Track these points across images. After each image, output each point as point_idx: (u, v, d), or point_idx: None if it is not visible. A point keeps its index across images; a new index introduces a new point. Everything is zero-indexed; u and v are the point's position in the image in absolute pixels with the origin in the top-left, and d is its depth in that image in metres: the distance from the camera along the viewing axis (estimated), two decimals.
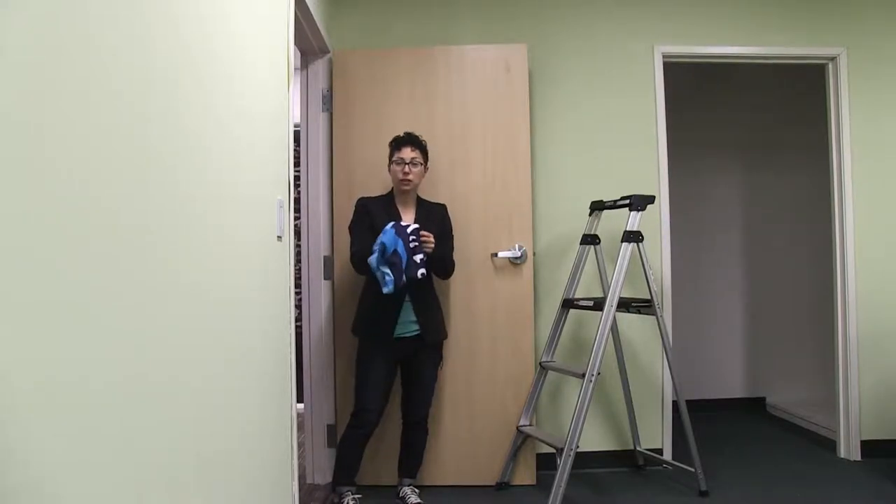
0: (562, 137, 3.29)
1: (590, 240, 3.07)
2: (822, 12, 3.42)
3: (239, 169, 1.62)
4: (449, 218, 2.87)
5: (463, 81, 3.10)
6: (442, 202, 2.92)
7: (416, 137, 2.76)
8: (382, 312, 2.66)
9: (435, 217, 2.81)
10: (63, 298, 0.85)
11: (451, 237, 2.85)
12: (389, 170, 2.78)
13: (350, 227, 2.76)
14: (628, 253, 2.76)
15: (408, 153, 2.71)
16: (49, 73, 0.82)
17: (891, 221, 3.39)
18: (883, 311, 3.36)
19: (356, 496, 2.72)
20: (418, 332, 2.69)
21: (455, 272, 2.87)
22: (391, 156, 2.76)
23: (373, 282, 2.65)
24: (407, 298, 2.67)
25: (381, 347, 2.67)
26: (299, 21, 2.49)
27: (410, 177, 2.72)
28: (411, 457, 2.83)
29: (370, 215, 2.71)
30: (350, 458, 2.70)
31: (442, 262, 2.76)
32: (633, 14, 3.35)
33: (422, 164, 2.75)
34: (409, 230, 2.58)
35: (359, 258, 2.64)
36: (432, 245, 2.62)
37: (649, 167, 3.31)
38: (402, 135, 2.76)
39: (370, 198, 2.79)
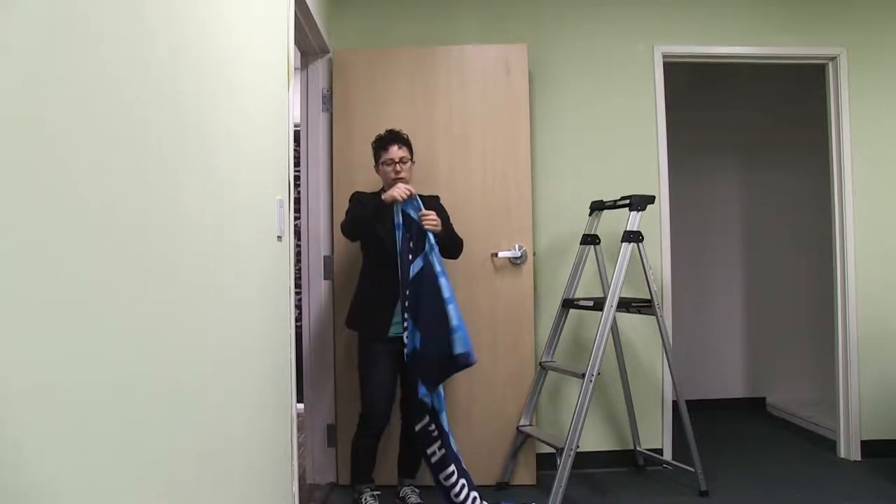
0: (562, 137, 3.29)
1: (590, 240, 3.07)
2: (822, 12, 3.42)
3: (239, 169, 1.62)
4: (444, 208, 2.83)
5: (463, 81, 3.10)
6: (435, 194, 2.89)
7: (399, 134, 2.73)
8: (378, 311, 2.67)
9: (431, 209, 2.79)
10: (63, 298, 0.85)
11: (451, 226, 2.81)
12: (378, 171, 2.76)
13: (347, 213, 2.74)
14: (628, 253, 2.77)
15: (395, 152, 2.68)
16: (49, 73, 0.82)
17: (891, 221, 3.39)
18: (883, 310, 3.36)
19: (375, 492, 2.76)
20: None
21: (455, 273, 2.86)
22: (378, 157, 2.73)
23: (368, 275, 2.67)
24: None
25: (380, 347, 2.67)
26: (299, 21, 2.49)
27: (403, 174, 2.69)
28: (411, 457, 2.83)
29: (366, 206, 2.69)
30: (365, 458, 2.75)
31: (450, 240, 2.72)
32: (633, 14, 3.35)
33: (410, 160, 2.74)
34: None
35: (352, 219, 2.63)
36: (436, 223, 2.58)
37: (649, 167, 3.31)
38: (384, 134, 2.73)
39: (364, 193, 2.79)
